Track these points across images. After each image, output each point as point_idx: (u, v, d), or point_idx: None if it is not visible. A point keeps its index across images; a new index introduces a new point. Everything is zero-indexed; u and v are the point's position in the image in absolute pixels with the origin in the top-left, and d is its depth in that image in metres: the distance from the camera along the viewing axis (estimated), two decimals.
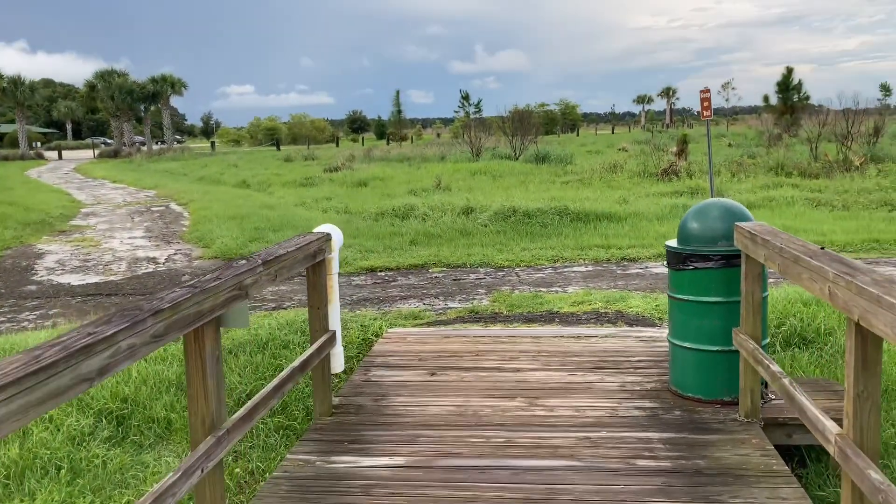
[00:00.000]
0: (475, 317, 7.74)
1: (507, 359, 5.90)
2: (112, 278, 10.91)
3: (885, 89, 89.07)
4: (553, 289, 9.07)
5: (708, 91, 13.40)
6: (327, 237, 4.83)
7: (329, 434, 4.57)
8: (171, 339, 2.86)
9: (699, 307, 4.89)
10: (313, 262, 4.58)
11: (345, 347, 6.39)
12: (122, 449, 5.12)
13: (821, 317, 6.64)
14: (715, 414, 4.70)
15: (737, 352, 4.65)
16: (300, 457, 4.27)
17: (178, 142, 76.53)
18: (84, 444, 5.10)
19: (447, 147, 39.67)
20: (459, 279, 9.95)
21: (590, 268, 10.42)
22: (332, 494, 3.82)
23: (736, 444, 4.26)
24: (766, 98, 46.24)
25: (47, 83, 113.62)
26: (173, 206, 20.66)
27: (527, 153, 31.16)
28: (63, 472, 4.76)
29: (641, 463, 4.05)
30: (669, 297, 5.14)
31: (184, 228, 15.89)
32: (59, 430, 5.19)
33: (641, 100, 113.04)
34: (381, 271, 10.67)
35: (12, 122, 66.85)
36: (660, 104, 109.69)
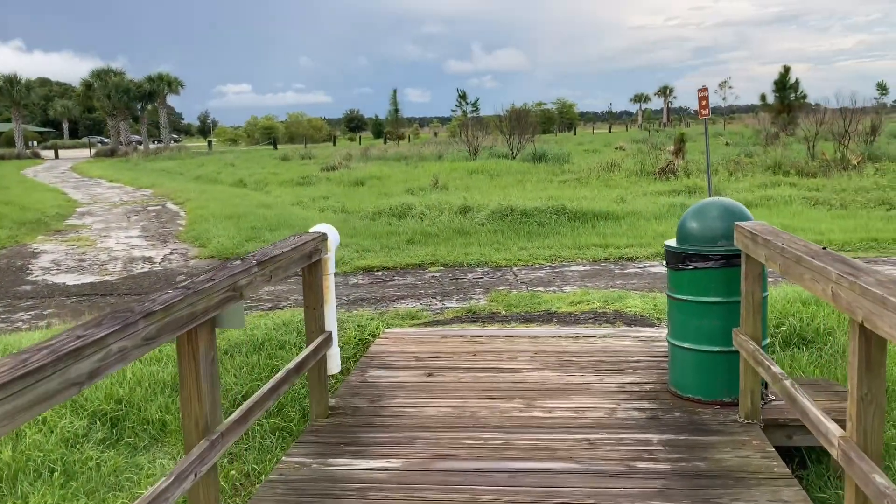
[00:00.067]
0: (472, 317, 7.70)
1: (505, 359, 5.86)
2: (107, 278, 10.85)
3: (882, 88, 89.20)
4: (551, 288, 9.03)
5: (706, 89, 13.36)
6: (323, 237, 4.78)
7: (325, 436, 4.52)
8: (163, 342, 2.81)
9: (699, 307, 4.84)
10: (309, 263, 4.53)
11: (341, 348, 6.34)
12: (117, 451, 5.07)
13: (820, 316, 6.61)
14: (715, 415, 4.65)
15: (736, 352, 4.61)
16: (296, 459, 4.22)
17: (175, 141, 76.39)
18: (78, 446, 5.05)
19: (444, 146, 39.62)
20: (457, 279, 9.91)
21: (588, 267, 10.38)
22: (328, 498, 3.77)
23: (736, 445, 4.21)
24: (763, 97, 46.31)
25: (43, 82, 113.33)
26: (170, 205, 20.59)
27: (524, 152, 31.12)
28: (56, 474, 4.70)
29: (641, 465, 4.01)
30: (668, 297, 5.09)
31: (180, 228, 15.83)
32: (52, 431, 5.14)
33: (638, 99, 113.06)
34: (378, 271, 10.62)
35: (8, 121, 66.70)
36: (657, 103, 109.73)
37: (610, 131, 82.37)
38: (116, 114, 62.31)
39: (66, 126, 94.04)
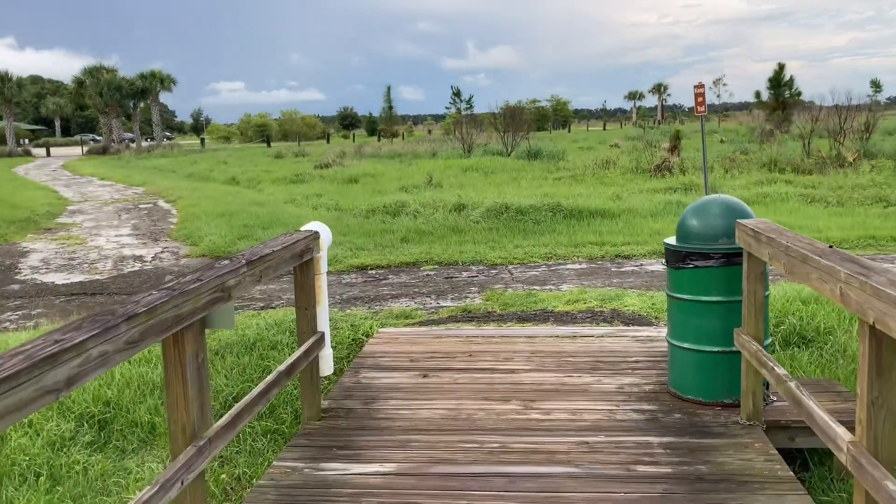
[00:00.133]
0: (468, 316, 7.60)
1: (501, 360, 5.75)
2: (97, 277, 10.71)
3: (876, 85, 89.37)
4: (547, 287, 8.93)
5: (702, 86, 13.28)
6: (315, 235, 4.66)
7: (317, 439, 4.41)
8: (147, 345, 2.70)
9: (699, 307, 4.75)
10: (300, 262, 4.42)
11: (334, 348, 6.23)
12: (104, 454, 4.96)
13: (820, 315, 6.53)
14: (716, 417, 4.56)
15: (737, 352, 4.52)
16: (287, 463, 4.11)
17: (168, 138, 75.98)
18: (64, 449, 4.94)
19: (438, 143, 39.49)
20: (451, 277, 9.80)
21: (584, 265, 10.28)
22: None
23: (738, 448, 4.12)
24: (757, 94, 46.22)
25: (35, 80, 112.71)
26: (161, 203, 20.42)
27: (519, 149, 31.01)
28: (42, 479, 4.59)
29: (641, 469, 3.91)
30: (668, 296, 4.99)
31: (171, 226, 15.68)
32: (38, 435, 5.02)
33: (632, 96, 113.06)
34: (371, 269, 10.51)
35: None
36: (651, 100, 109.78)
37: (604, 129, 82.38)
38: (108, 111, 61.93)
39: (58, 124, 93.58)
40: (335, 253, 11.04)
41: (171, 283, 3.00)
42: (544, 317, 7.32)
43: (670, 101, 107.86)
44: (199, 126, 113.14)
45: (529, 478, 3.83)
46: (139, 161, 43.98)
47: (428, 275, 10.02)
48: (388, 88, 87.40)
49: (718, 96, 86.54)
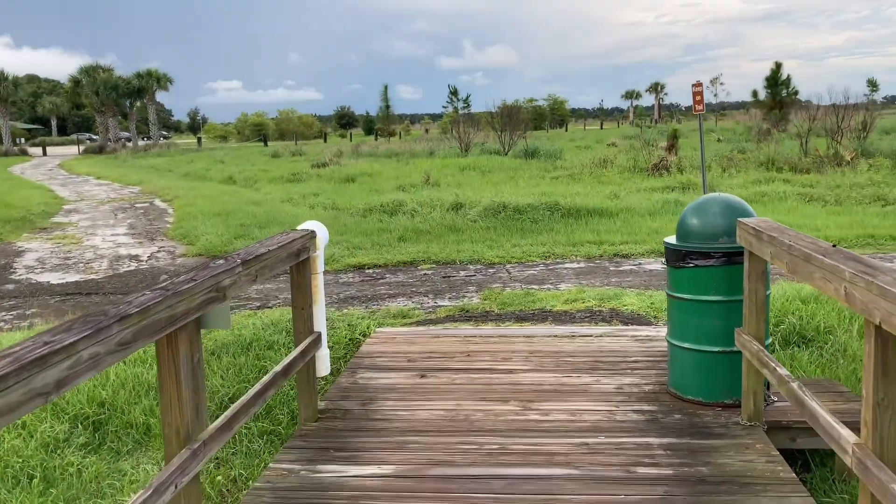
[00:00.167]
0: (466, 315, 7.55)
1: (500, 360, 5.71)
2: (93, 277, 10.64)
3: (872, 84, 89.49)
4: (545, 286, 8.88)
5: (700, 85, 13.25)
6: (312, 234, 4.61)
7: (314, 441, 4.36)
8: (140, 347, 2.65)
9: (699, 306, 4.70)
10: (297, 261, 4.36)
11: (331, 348, 6.18)
12: (99, 456, 4.91)
13: (820, 314, 6.49)
14: (716, 417, 4.52)
15: (738, 352, 4.47)
16: (284, 465, 4.05)
17: (165, 137, 75.86)
18: (58, 451, 4.88)
19: (436, 142, 39.46)
20: (449, 276, 9.75)
21: (582, 264, 10.24)
22: None
23: (739, 449, 4.08)
24: (754, 93, 46.26)
25: (32, 79, 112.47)
26: (158, 202, 20.35)
27: (516, 148, 30.98)
28: (35, 481, 4.54)
29: (642, 471, 3.86)
30: (668, 295, 4.95)
31: (168, 225, 15.62)
32: (32, 436, 4.97)
33: (630, 95, 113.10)
34: (368, 268, 10.46)
35: None
36: (648, 99, 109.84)
37: (601, 128, 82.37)
38: (105, 110, 61.80)
39: (54, 123, 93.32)
40: (332, 252, 10.99)
41: (164, 283, 2.95)
42: (542, 316, 7.27)
43: (667, 101, 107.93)
44: (195, 125, 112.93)
45: (529, 480, 3.78)
46: (135, 160, 43.87)
47: (425, 274, 9.97)
48: (386, 88, 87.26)
49: (716, 95, 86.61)
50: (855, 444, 2.78)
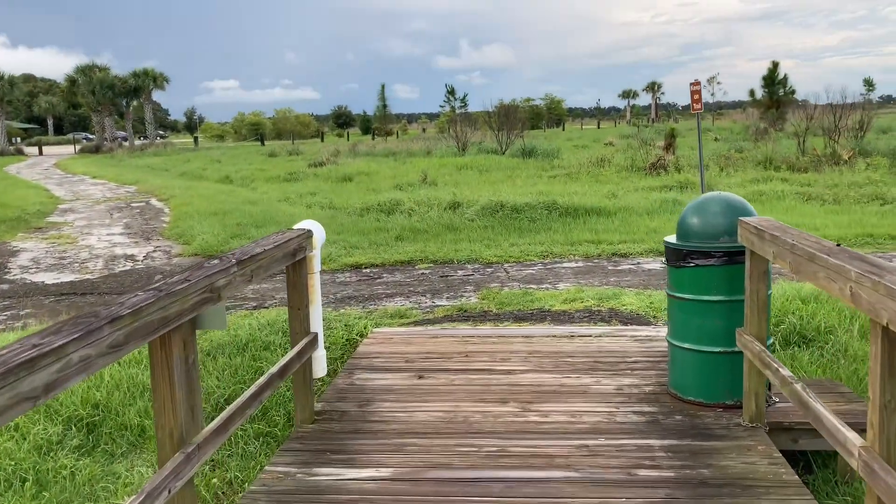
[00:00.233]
0: (464, 315, 7.49)
1: (498, 360, 5.65)
2: (88, 277, 10.57)
3: (869, 84, 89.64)
4: (543, 286, 8.83)
5: (698, 84, 13.22)
6: (308, 234, 4.55)
7: (310, 443, 4.30)
8: (132, 349, 2.59)
9: (700, 306, 4.65)
10: (293, 261, 4.31)
11: (328, 348, 6.12)
12: (93, 458, 4.85)
13: (820, 314, 6.45)
14: (717, 419, 4.47)
15: (739, 353, 4.43)
16: (279, 468, 4.00)
17: (161, 137, 75.70)
18: (51, 453, 4.82)
19: (433, 142, 39.40)
20: (447, 276, 9.70)
21: (580, 264, 10.19)
22: None
23: (741, 451, 4.03)
24: (752, 92, 46.32)
25: (28, 78, 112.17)
26: (154, 201, 20.26)
27: (513, 148, 30.93)
28: (28, 484, 4.48)
29: (643, 473, 3.81)
30: (668, 295, 4.90)
31: (164, 225, 15.54)
32: (24, 438, 4.91)
33: (626, 94, 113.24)
34: (366, 268, 10.40)
35: None
36: (644, 99, 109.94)
37: (599, 127, 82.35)
38: (101, 110, 61.63)
39: (50, 122, 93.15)
40: (329, 251, 10.93)
41: (157, 284, 2.89)
42: (541, 316, 7.22)
43: (664, 100, 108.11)
44: (192, 124, 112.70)
45: (528, 483, 3.73)
46: (132, 159, 43.76)
47: (423, 273, 9.92)
48: (383, 87, 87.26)
49: (713, 95, 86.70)
50: (861, 447, 2.74)
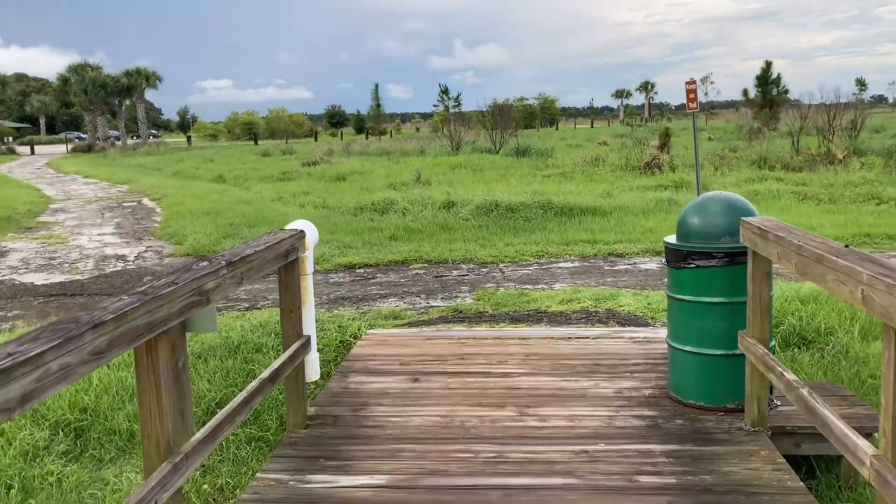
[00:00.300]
0: (459, 316, 7.39)
1: (495, 362, 5.55)
2: (78, 277, 10.43)
3: (861, 84, 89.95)
4: (539, 286, 8.74)
5: (694, 82, 13.12)
6: (300, 234, 4.45)
7: (303, 449, 4.19)
8: (116, 356, 2.48)
9: (701, 308, 4.56)
10: (285, 262, 4.20)
11: (321, 350, 6.02)
12: (80, 464, 4.73)
13: (821, 315, 6.37)
14: (719, 423, 4.38)
15: (741, 355, 4.34)
16: (272, 475, 3.89)
17: (154, 136, 75.39)
18: (38, 459, 4.71)
19: (427, 141, 39.31)
20: (441, 276, 9.60)
21: (576, 264, 10.10)
22: None
23: (744, 456, 3.94)
24: (745, 92, 46.33)
25: (20, 77, 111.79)
26: (146, 201, 20.11)
27: (507, 147, 30.85)
28: (14, 491, 4.36)
29: (644, 479, 3.72)
30: (668, 296, 4.80)
31: (156, 225, 15.40)
32: (10, 444, 4.79)
33: (620, 94, 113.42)
34: (359, 268, 10.29)
35: None
36: (638, 98, 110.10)
37: (592, 126, 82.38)
38: (94, 109, 61.27)
39: (42, 122, 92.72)
40: (322, 251, 10.82)
41: (143, 288, 2.78)
42: (538, 317, 7.13)
43: (657, 99, 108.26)
44: (185, 124, 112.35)
45: (527, 490, 3.63)
46: (124, 159, 43.53)
47: (417, 273, 9.81)
48: (376, 86, 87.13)
49: (706, 94, 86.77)
50: (873, 456, 2.65)
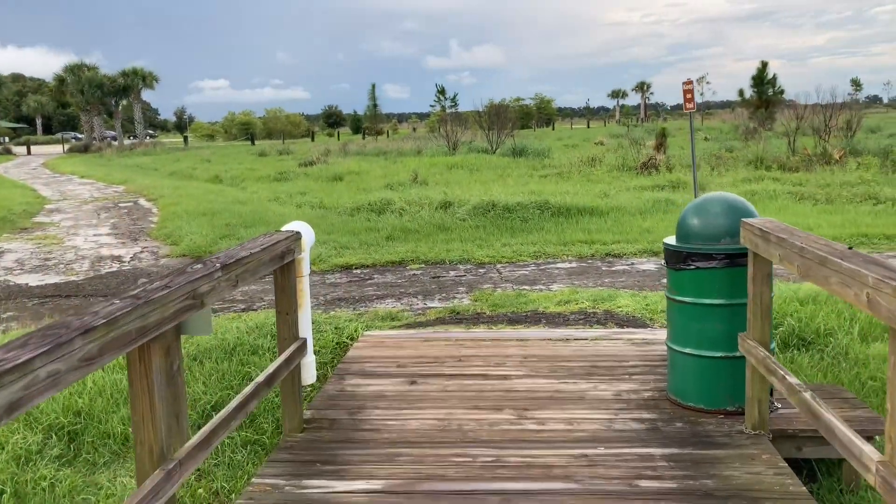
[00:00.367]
0: (456, 318, 7.35)
1: (493, 365, 5.51)
2: (73, 278, 10.37)
3: (856, 84, 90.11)
4: (537, 287, 8.69)
5: (691, 83, 13.07)
6: (297, 236, 4.39)
7: (299, 454, 4.14)
8: (108, 361, 2.43)
9: (700, 310, 4.52)
10: (281, 264, 4.15)
11: (318, 353, 5.97)
12: (74, 469, 4.68)
13: (820, 316, 6.34)
14: (719, 426, 4.33)
15: (741, 358, 4.30)
16: (267, 480, 3.83)
17: (151, 136, 75.22)
18: (31, 464, 4.65)
19: (423, 141, 39.25)
20: (438, 276, 9.55)
21: (574, 264, 10.06)
22: None
23: (745, 460, 3.89)
24: (741, 92, 46.34)
25: (17, 77, 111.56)
26: (142, 201, 20.03)
27: (504, 147, 30.82)
28: (6, 496, 4.31)
29: (644, 484, 3.67)
30: (668, 298, 4.76)
31: (152, 225, 15.33)
32: (2, 448, 4.73)
33: (616, 94, 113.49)
34: (356, 269, 10.24)
35: None
36: (634, 98, 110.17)
37: (588, 126, 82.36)
38: (90, 109, 61.11)
39: (39, 122, 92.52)
40: (319, 252, 10.77)
41: (135, 291, 2.73)
42: (535, 318, 7.08)
43: (653, 100, 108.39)
44: (182, 124, 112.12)
45: (526, 495, 3.59)
46: (121, 159, 43.41)
47: (414, 274, 9.76)
48: (373, 87, 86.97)
49: (702, 94, 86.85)
50: (879, 462, 2.60)
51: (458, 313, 7.52)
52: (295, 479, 3.82)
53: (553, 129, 78.02)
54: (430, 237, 12.13)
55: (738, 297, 4.35)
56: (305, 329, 4.60)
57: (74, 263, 11.46)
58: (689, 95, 13.42)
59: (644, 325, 6.71)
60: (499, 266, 10.10)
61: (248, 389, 3.60)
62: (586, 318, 6.98)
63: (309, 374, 4.69)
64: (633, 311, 7.12)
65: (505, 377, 5.23)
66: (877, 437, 4.25)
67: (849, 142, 24.50)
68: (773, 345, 4.73)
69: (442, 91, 79.28)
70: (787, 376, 3.57)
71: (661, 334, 5.91)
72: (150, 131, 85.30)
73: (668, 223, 12.02)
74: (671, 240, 4.70)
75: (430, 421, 4.50)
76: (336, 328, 6.63)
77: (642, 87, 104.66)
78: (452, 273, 9.73)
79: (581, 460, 3.92)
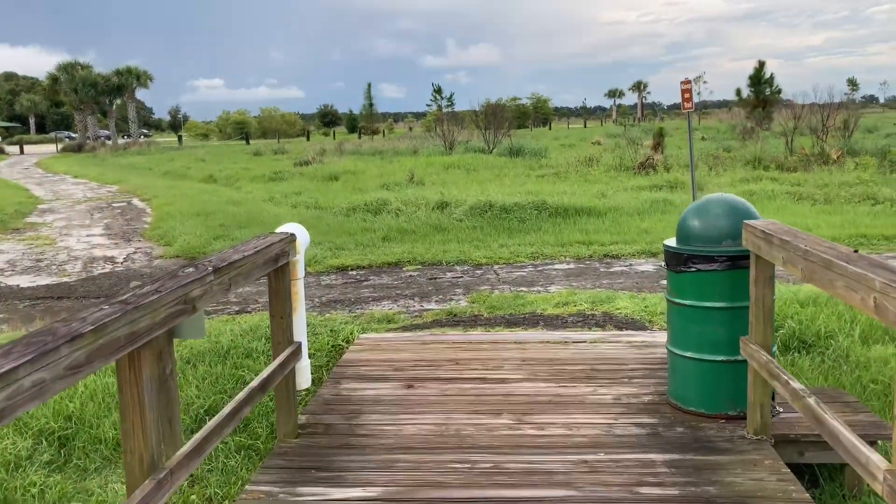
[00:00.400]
0: (454, 320, 7.27)
1: (491, 368, 5.44)
2: (65, 279, 10.27)
3: (853, 84, 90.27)
4: (535, 288, 8.63)
5: (689, 82, 13.02)
6: (291, 238, 4.32)
7: (294, 460, 4.07)
8: (96, 369, 2.36)
9: (701, 313, 4.46)
10: (275, 267, 4.07)
11: (313, 356, 5.89)
12: (64, 475, 4.59)
13: (821, 318, 6.28)
14: (720, 431, 4.27)
15: (742, 361, 4.24)
16: (261, 487, 3.76)
17: (145, 136, 74.96)
18: (20, 469, 4.57)
19: (420, 141, 39.17)
20: (435, 278, 9.48)
21: (572, 265, 9.99)
22: None
23: (747, 465, 3.83)
24: (738, 91, 46.30)
25: (9, 76, 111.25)
26: (136, 201, 19.92)
27: (500, 147, 30.75)
28: None
29: (645, 491, 3.61)
30: (668, 301, 4.70)
31: (145, 226, 15.23)
32: None
33: (612, 94, 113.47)
34: (352, 270, 10.16)
35: None
36: (630, 98, 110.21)
37: (585, 126, 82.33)
38: (84, 108, 60.87)
39: (32, 121, 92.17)
40: (314, 253, 10.69)
41: (125, 296, 2.65)
42: (534, 320, 7.01)
43: (650, 99, 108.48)
44: (176, 123, 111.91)
45: (526, 502, 3.52)
46: (115, 159, 43.25)
47: (411, 275, 9.69)
48: (369, 86, 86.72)
49: (699, 94, 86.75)
50: (887, 471, 2.54)
51: (455, 315, 7.45)
52: (289, 486, 3.75)
53: (550, 128, 78.00)
54: (427, 238, 12.05)
55: (740, 300, 4.29)
56: (300, 333, 4.53)
57: (67, 264, 11.36)
58: (687, 95, 13.37)
59: (643, 328, 6.64)
60: (496, 267, 10.03)
61: (241, 395, 3.53)
62: (585, 320, 6.91)
63: (304, 378, 4.62)
64: (632, 313, 7.06)
65: (503, 381, 5.16)
66: (879, 442, 4.20)
67: (846, 142, 24.48)
68: (775, 348, 4.68)
69: (438, 90, 79.16)
70: (790, 381, 3.50)
71: (661, 337, 5.85)
72: (145, 131, 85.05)
73: (666, 224, 11.96)
74: (671, 242, 4.63)
75: (427, 426, 4.44)
76: (331, 331, 6.56)
77: (639, 87, 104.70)
78: (449, 274, 9.66)
79: (581, 466, 3.85)
